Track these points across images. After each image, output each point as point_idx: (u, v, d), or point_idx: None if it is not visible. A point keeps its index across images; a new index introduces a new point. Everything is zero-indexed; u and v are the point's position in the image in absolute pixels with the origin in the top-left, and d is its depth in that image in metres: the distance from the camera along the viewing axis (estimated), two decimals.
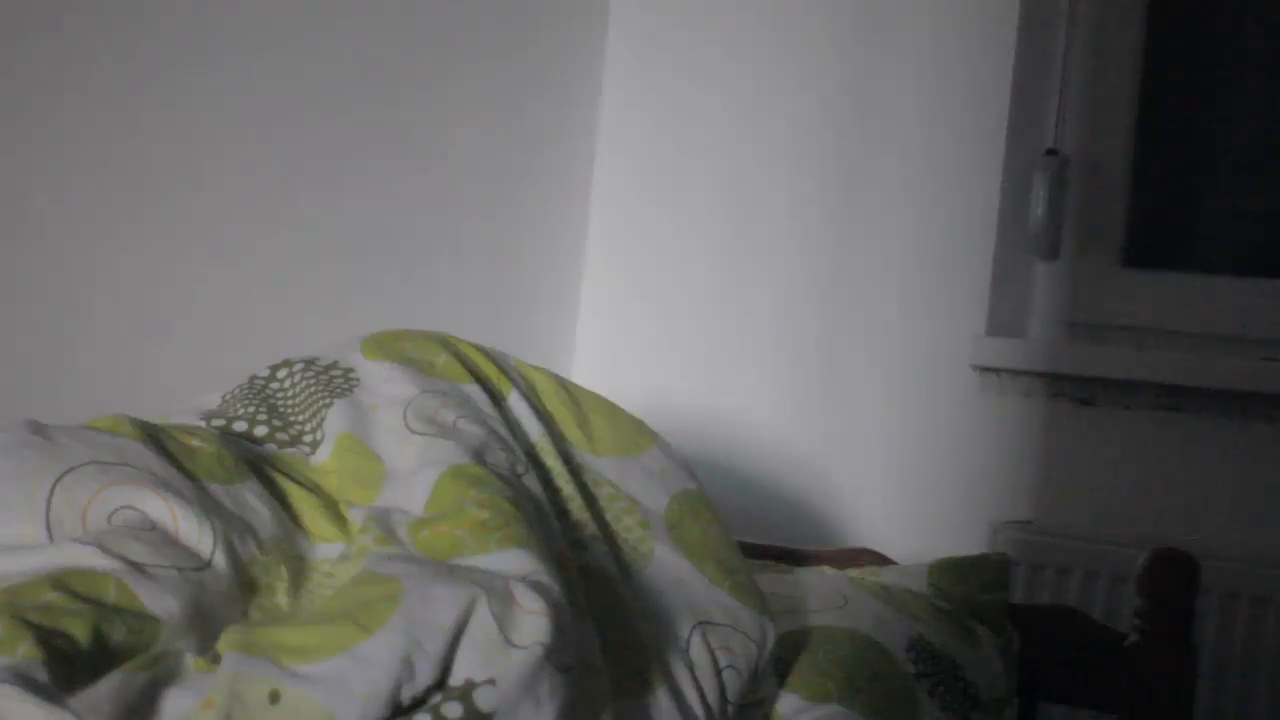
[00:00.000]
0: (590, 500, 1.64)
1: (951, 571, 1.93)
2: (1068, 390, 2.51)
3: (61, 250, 2.17)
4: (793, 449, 2.69)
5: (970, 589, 1.91)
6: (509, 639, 1.29)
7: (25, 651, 1.21)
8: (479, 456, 1.54)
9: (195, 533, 1.40)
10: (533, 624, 1.31)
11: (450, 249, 2.68)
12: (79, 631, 1.26)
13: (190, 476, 1.46)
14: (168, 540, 1.38)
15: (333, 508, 1.54)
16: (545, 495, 1.58)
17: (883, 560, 2.12)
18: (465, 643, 1.28)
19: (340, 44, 2.50)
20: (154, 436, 1.50)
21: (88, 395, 2.14)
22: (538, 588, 1.34)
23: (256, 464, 1.55)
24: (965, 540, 2.48)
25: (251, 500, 1.48)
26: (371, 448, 1.59)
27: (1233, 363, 2.39)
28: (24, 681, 1.18)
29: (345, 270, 2.53)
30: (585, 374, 2.86)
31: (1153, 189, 2.61)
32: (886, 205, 2.64)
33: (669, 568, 1.62)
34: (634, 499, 1.67)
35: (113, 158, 2.22)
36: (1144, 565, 1.87)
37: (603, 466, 1.69)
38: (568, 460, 1.67)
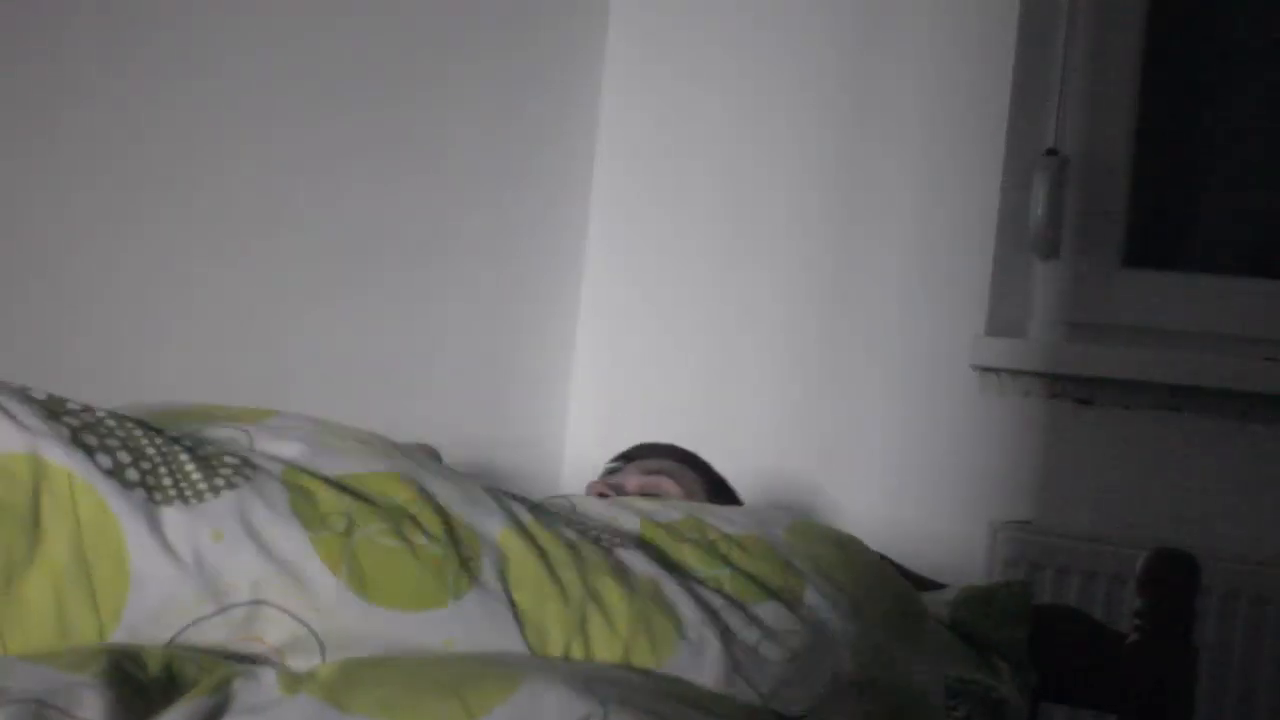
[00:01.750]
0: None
1: (973, 604, 1.89)
2: (1068, 390, 2.50)
3: (61, 250, 2.18)
4: (792, 449, 2.69)
5: (991, 623, 1.87)
6: None
7: (95, 671, 1.21)
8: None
9: None
10: None
11: (450, 249, 2.68)
12: (152, 659, 1.25)
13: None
14: None
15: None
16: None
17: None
18: None
19: (340, 44, 2.50)
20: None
21: (88, 395, 2.13)
22: None
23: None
24: (965, 540, 2.48)
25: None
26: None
27: (1233, 363, 2.39)
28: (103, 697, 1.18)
29: (345, 270, 2.53)
30: (585, 374, 2.86)
31: (1153, 189, 2.60)
32: (886, 205, 2.64)
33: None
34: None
35: (113, 158, 2.22)
36: (1144, 565, 1.86)
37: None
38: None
